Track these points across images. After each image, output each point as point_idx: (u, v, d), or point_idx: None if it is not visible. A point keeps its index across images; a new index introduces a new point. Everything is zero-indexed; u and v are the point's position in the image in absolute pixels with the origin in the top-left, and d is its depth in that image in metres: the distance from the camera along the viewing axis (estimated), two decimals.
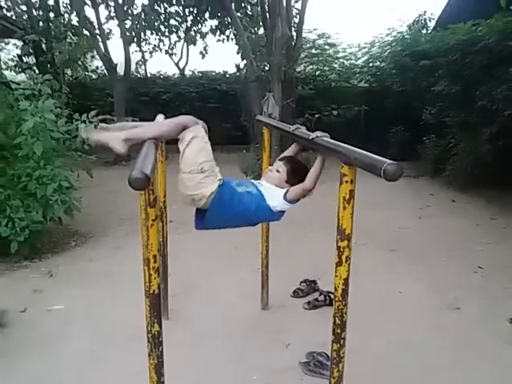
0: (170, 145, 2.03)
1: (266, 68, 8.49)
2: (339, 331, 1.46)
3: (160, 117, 2.47)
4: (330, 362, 1.52)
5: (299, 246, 4.06)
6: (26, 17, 9.14)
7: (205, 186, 1.73)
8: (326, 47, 9.58)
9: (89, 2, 8.81)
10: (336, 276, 1.42)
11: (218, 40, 12.05)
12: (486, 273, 3.51)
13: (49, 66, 8.49)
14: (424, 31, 8.77)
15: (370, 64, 9.73)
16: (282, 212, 1.94)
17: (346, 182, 1.34)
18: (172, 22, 12.03)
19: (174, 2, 10.77)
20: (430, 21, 9.08)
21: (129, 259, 3.57)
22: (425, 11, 9.14)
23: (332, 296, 2.90)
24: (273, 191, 1.90)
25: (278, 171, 1.97)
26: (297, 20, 8.28)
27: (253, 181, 2.01)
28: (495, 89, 5.00)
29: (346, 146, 1.46)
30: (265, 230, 2.73)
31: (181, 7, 11.38)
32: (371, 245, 3.97)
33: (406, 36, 8.60)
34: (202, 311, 2.91)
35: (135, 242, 3.98)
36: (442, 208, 5.37)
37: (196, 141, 1.71)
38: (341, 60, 9.78)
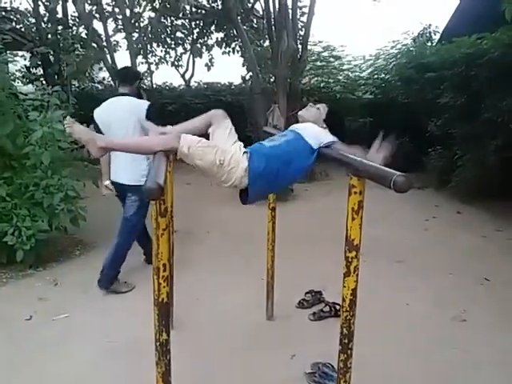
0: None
1: (272, 80, 8.55)
2: (346, 341, 1.46)
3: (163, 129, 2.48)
4: (338, 372, 1.52)
5: (305, 256, 4.05)
6: (34, 29, 9.29)
7: (235, 170, 1.74)
8: (331, 59, 9.64)
9: (97, 16, 8.96)
10: (344, 286, 1.42)
11: (224, 52, 12.18)
12: (492, 285, 3.48)
13: (56, 77, 8.59)
14: (429, 44, 8.82)
15: (375, 76, 9.77)
16: (317, 154, 1.87)
17: (355, 193, 1.35)
18: (178, 34, 12.20)
19: (181, 15, 10.91)
20: (434, 34, 9.14)
21: (133, 268, 3.58)
22: (429, 24, 9.20)
23: (337, 307, 2.89)
24: (312, 128, 1.89)
25: (318, 108, 1.94)
26: (302, 33, 8.36)
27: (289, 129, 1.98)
28: (500, 101, 5.01)
29: (354, 157, 1.47)
30: (270, 240, 2.74)
31: (187, 20, 11.55)
32: (377, 256, 3.95)
33: (411, 48, 8.64)
34: (207, 321, 2.90)
35: (139, 251, 3.99)
36: (448, 220, 5.35)
37: (193, 149, 1.70)
38: (346, 72, 9.83)
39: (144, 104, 3.26)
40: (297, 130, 1.91)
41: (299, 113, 2.07)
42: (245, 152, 1.78)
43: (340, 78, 9.37)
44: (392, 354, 2.53)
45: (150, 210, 3.31)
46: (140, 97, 3.60)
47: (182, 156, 1.75)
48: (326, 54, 9.59)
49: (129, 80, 3.46)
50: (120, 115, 3.20)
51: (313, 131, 1.88)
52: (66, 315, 2.96)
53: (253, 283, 3.30)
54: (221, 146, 1.77)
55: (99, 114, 3.33)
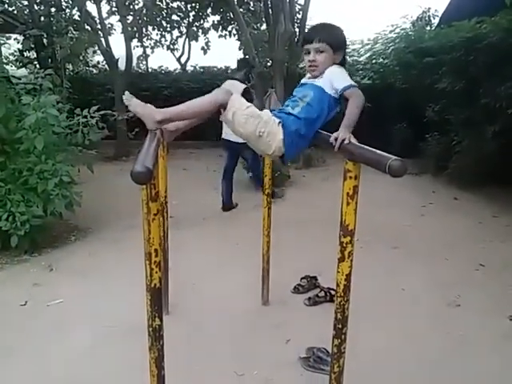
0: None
1: (269, 64, 8.45)
2: (340, 326, 1.46)
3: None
4: (331, 357, 1.52)
5: (300, 242, 4.06)
6: (27, 11, 9.10)
7: (272, 142, 1.75)
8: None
9: None
10: (338, 272, 1.41)
11: (220, 36, 12.02)
12: (487, 270, 3.50)
13: (50, 60, 8.45)
14: (428, 28, 8.72)
15: (373, 61, 9.67)
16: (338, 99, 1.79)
17: (350, 177, 1.33)
18: (174, 17, 12.01)
19: None
20: (433, 18, 9.03)
21: (128, 253, 3.57)
22: (429, 8, 9.10)
23: (333, 292, 2.89)
24: (330, 75, 1.79)
25: (320, 51, 1.81)
26: (300, 16, 8.24)
27: (307, 85, 1.88)
28: (499, 86, 4.97)
29: (351, 142, 1.45)
30: (266, 225, 2.72)
31: (183, 2, 11.35)
32: (373, 242, 3.96)
33: (410, 33, 8.54)
34: (202, 306, 2.91)
35: (135, 236, 4.00)
36: (445, 206, 5.35)
37: (237, 116, 1.70)
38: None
39: (241, 86, 4.58)
40: (316, 83, 1.82)
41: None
42: (279, 122, 1.77)
43: None
44: (386, 338, 2.54)
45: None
46: (249, 81, 5.13)
47: (224, 120, 1.76)
48: None
49: (241, 68, 5.05)
50: None
51: (329, 79, 1.79)
52: (61, 300, 2.95)
53: (248, 269, 3.30)
54: (264, 117, 1.75)
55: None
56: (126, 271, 3.32)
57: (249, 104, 1.75)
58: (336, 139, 1.51)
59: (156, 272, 1.24)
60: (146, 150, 1.24)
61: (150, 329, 1.31)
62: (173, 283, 2.81)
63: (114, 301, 2.95)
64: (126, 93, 1.66)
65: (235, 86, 4.49)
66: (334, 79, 1.76)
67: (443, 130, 6.63)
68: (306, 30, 2.00)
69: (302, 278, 3.21)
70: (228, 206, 5.13)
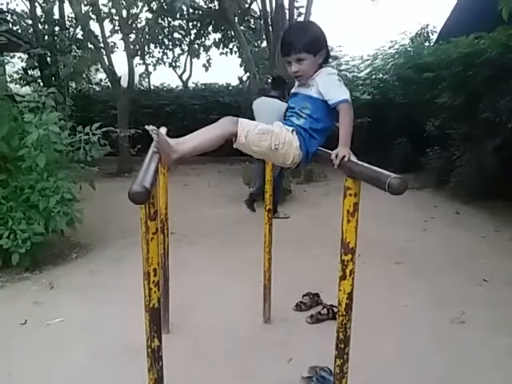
0: None
1: (269, 80, 8.52)
2: (343, 346, 1.43)
3: (163, 129, 2.46)
4: (333, 378, 1.49)
5: (302, 258, 4.03)
6: (31, 30, 9.27)
7: (290, 151, 1.75)
8: (329, 60, 9.66)
9: (94, 17, 8.94)
10: (340, 290, 1.39)
11: (222, 53, 12.19)
12: (491, 286, 3.46)
13: (53, 78, 8.57)
14: (426, 44, 8.82)
15: (373, 76, 9.77)
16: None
17: (350, 195, 1.32)
18: (176, 35, 12.21)
19: (178, 16, 10.90)
20: (432, 34, 9.15)
21: (130, 271, 3.54)
22: (427, 24, 9.23)
23: (335, 309, 2.86)
24: (320, 89, 1.75)
25: (300, 59, 1.75)
26: None
27: (300, 95, 1.86)
28: (498, 101, 5.00)
29: (350, 159, 1.45)
30: (267, 242, 2.71)
31: (184, 21, 11.53)
32: (375, 257, 3.94)
33: (409, 49, 8.65)
34: (204, 325, 2.87)
35: (136, 253, 3.95)
36: (446, 220, 5.33)
37: (250, 137, 1.70)
38: (343, 72, 9.82)
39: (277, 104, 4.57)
40: (309, 94, 1.80)
41: None
42: (292, 130, 1.77)
43: None
44: (390, 356, 2.50)
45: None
46: (284, 97, 4.96)
47: (238, 146, 1.75)
48: None
49: (276, 86, 5.19)
50: (268, 111, 4.47)
51: (320, 91, 1.76)
52: (61, 319, 2.93)
53: (250, 286, 3.28)
54: (275, 130, 1.75)
55: (256, 105, 5.00)
56: (127, 289, 3.29)
57: (256, 123, 1.76)
58: (336, 156, 1.52)
59: (155, 292, 1.22)
60: (146, 168, 1.24)
61: (149, 350, 1.29)
62: (173, 301, 2.78)
63: (115, 320, 2.92)
64: (151, 126, 1.65)
65: (271, 104, 4.68)
66: (325, 93, 1.74)
67: (444, 145, 6.66)
68: (282, 39, 1.95)
69: (304, 295, 3.17)
70: (252, 200, 5.41)
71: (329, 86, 1.74)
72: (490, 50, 5.12)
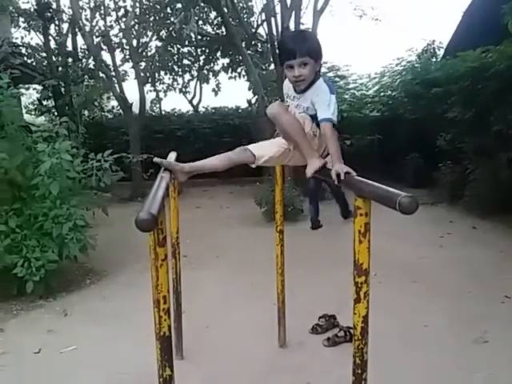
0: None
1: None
2: (360, 372, 1.38)
3: (172, 155, 2.46)
4: None
5: (316, 279, 3.96)
6: (45, 63, 9.56)
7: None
8: (337, 79, 9.71)
9: (105, 47, 9.20)
10: (355, 314, 1.35)
11: (230, 77, 12.37)
12: None
13: (67, 108, 8.78)
14: (433, 60, 8.84)
15: (382, 93, 9.80)
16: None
17: (361, 214, 1.29)
18: (185, 61, 12.46)
19: (187, 43, 11.15)
20: (438, 49, 9.17)
21: (143, 297, 3.49)
22: (433, 40, 9.25)
23: (352, 331, 2.79)
24: (314, 103, 1.80)
25: (305, 64, 1.75)
26: None
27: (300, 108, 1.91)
28: (509, 113, 4.95)
29: (359, 178, 1.43)
30: (279, 263, 2.67)
31: (193, 47, 11.78)
32: (392, 276, 3.85)
33: (416, 65, 8.67)
34: (217, 350, 2.82)
35: (150, 278, 3.96)
36: (463, 236, 5.22)
37: (269, 151, 1.91)
38: (352, 91, 9.87)
39: None
40: (307, 111, 1.86)
41: None
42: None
43: (346, 96, 9.40)
44: (410, 379, 2.41)
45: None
46: None
47: (258, 164, 1.94)
48: (331, 74, 9.65)
49: None
50: None
51: (313, 104, 1.81)
52: (74, 347, 2.91)
53: (264, 309, 3.22)
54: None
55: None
56: (141, 316, 3.24)
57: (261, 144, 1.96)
58: (337, 174, 1.55)
59: (165, 320, 1.20)
60: (153, 195, 1.23)
61: (161, 379, 1.26)
62: (186, 326, 2.74)
63: (128, 348, 2.88)
64: (156, 158, 1.72)
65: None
66: (318, 108, 1.78)
67: (456, 159, 6.59)
68: (283, 44, 1.96)
69: (320, 318, 3.10)
70: (316, 225, 5.80)
71: (320, 103, 1.78)
72: (499, 63, 5.11)
